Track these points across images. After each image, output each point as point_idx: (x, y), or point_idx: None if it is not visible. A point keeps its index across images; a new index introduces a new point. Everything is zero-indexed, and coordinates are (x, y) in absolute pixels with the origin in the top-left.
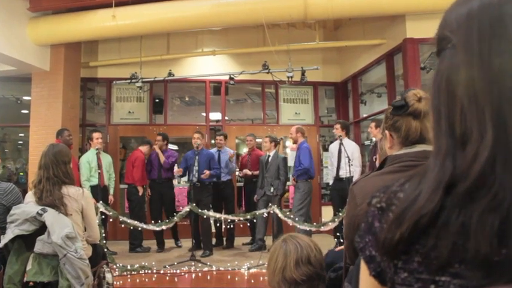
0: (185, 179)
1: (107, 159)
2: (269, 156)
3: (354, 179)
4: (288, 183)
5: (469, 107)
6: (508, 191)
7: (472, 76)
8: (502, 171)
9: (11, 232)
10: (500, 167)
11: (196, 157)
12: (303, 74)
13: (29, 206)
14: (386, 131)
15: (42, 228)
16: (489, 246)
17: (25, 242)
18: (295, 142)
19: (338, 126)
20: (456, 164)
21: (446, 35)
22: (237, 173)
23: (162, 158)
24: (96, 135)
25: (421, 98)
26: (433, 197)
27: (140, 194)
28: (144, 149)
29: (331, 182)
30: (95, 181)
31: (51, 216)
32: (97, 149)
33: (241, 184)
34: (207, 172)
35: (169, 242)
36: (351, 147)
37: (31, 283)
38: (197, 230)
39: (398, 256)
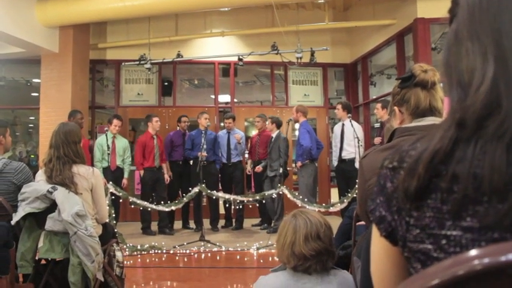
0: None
1: (121, 143)
2: (272, 137)
3: (357, 159)
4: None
5: (472, 48)
6: None
7: (473, 18)
8: (506, 97)
9: (22, 210)
10: (504, 93)
11: (204, 136)
12: (312, 55)
13: (40, 184)
14: (395, 107)
15: (52, 206)
16: (500, 175)
17: (36, 219)
18: (296, 122)
19: (339, 106)
20: (465, 98)
21: (457, 2)
22: (246, 156)
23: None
24: (115, 121)
25: (426, 70)
26: (446, 134)
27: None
28: (152, 128)
29: (335, 164)
30: (105, 164)
31: (61, 195)
32: (113, 135)
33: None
34: (204, 153)
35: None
36: (357, 128)
37: (43, 260)
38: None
39: (411, 212)
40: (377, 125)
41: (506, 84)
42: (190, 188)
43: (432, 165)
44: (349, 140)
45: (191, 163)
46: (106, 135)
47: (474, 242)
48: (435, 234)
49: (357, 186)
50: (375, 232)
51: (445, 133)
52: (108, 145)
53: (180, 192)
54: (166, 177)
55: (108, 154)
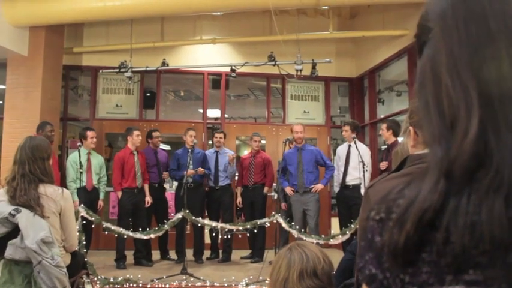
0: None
1: (97, 160)
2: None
3: (362, 186)
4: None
5: (453, 86)
6: (508, 168)
7: (452, 51)
8: (495, 145)
9: None
10: (494, 141)
11: (190, 155)
12: (313, 67)
13: (1, 205)
14: (411, 128)
15: (14, 231)
16: (501, 228)
17: None
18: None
19: (347, 127)
20: (450, 147)
21: (427, 26)
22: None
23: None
24: (90, 133)
25: None
26: (435, 188)
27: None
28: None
29: (336, 190)
30: (79, 184)
31: (25, 218)
32: (87, 151)
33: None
34: (201, 169)
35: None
36: (362, 150)
37: None
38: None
39: (405, 268)
40: (384, 147)
41: (494, 130)
42: (172, 215)
43: (422, 223)
44: (354, 163)
45: (167, 187)
46: (79, 151)
47: None
48: None
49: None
50: None
51: (434, 186)
52: (81, 163)
53: (154, 219)
54: (148, 199)
55: (81, 173)
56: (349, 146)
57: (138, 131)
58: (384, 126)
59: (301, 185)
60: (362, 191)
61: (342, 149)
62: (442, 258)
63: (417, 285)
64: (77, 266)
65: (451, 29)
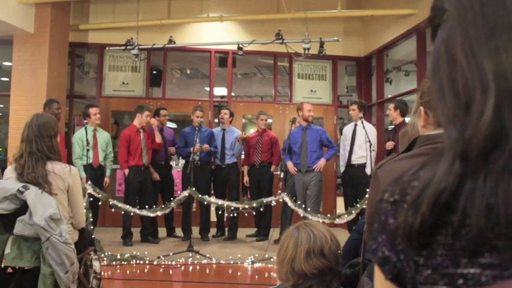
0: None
1: (103, 136)
2: (394, 127)
3: (368, 165)
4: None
5: (468, 67)
6: None
7: (467, 32)
8: (511, 126)
9: None
10: (509, 121)
11: (198, 133)
12: (321, 46)
13: (9, 182)
14: (421, 108)
15: (23, 208)
16: None
17: (4, 222)
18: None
19: (355, 106)
20: (465, 128)
21: (442, 8)
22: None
23: (159, 138)
24: (93, 110)
25: None
26: (450, 170)
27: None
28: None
29: (342, 170)
30: (86, 161)
31: (33, 195)
32: (93, 128)
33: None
34: (207, 146)
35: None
36: (369, 130)
37: (9, 269)
38: (190, 217)
39: (419, 251)
40: (391, 127)
41: (510, 110)
42: (178, 193)
43: (437, 205)
44: (360, 142)
45: (174, 164)
46: (86, 128)
47: (496, 278)
48: (450, 274)
49: (367, 197)
50: (378, 275)
51: (449, 168)
52: (87, 140)
53: (160, 197)
54: (156, 176)
55: (88, 150)
56: (355, 125)
57: (148, 111)
58: (391, 106)
59: (304, 164)
60: (367, 170)
61: (348, 129)
62: (457, 241)
63: (431, 267)
64: (84, 243)
65: (467, 10)
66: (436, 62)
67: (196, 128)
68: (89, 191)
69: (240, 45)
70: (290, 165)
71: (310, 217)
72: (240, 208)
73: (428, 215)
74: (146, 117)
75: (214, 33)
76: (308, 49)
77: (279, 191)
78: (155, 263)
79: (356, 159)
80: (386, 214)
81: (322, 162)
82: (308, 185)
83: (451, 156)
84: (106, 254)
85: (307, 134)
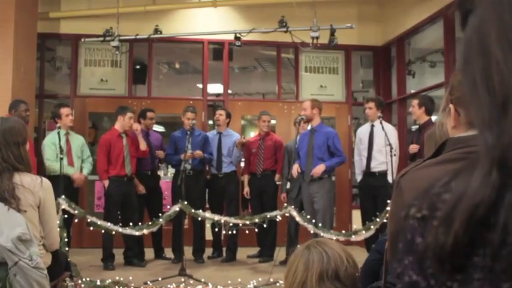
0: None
1: (77, 141)
2: (417, 128)
3: (390, 173)
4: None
5: (505, 61)
6: None
7: (502, 20)
8: None
9: None
10: None
11: (189, 138)
12: (332, 34)
13: None
14: (451, 105)
15: None
16: None
17: None
18: (309, 121)
19: (372, 104)
20: (503, 132)
21: None
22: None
23: (143, 145)
24: (64, 110)
25: None
26: (487, 180)
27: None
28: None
29: (359, 179)
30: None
31: None
32: (66, 131)
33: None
34: (199, 152)
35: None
36: (389, 131)
37: None
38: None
39: (452, 275)
40: (414, 127)
41: None
42: (167, 207)
43: (473, 222)
44: (380, 146)
45: (162, 174)
46: (58, 133)
47: None
48: None
49: (388, 209)
50: None
51: (485, 178)
52: (61, 146)
53: (147, 212)
54: (141, 188)
55: (62, 158)
56: (372, 126)
57: (132, 113)
58: (415, 102)
59: (308, 173)
60: (389, 179)
61: (363, 131)
62: (497, 263)
63: None
64: (59, 267)
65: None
66: (468, 53)
67: (188, 132)
68: (63, 207)
69: (238, 35)
70: (295, 167)
71: (321, 234)
72: (240, 224)
73: (462, 233)
74: (129, 119)
75: (208, 21)
76: (317, 38)
77: (285, 204)
78: None
79: (376, 166)
80: (413, 232)
81: (319, 168)
82: (313, 197)
83: (487, 164)
84: (84, 280)
85: (315, 137)
